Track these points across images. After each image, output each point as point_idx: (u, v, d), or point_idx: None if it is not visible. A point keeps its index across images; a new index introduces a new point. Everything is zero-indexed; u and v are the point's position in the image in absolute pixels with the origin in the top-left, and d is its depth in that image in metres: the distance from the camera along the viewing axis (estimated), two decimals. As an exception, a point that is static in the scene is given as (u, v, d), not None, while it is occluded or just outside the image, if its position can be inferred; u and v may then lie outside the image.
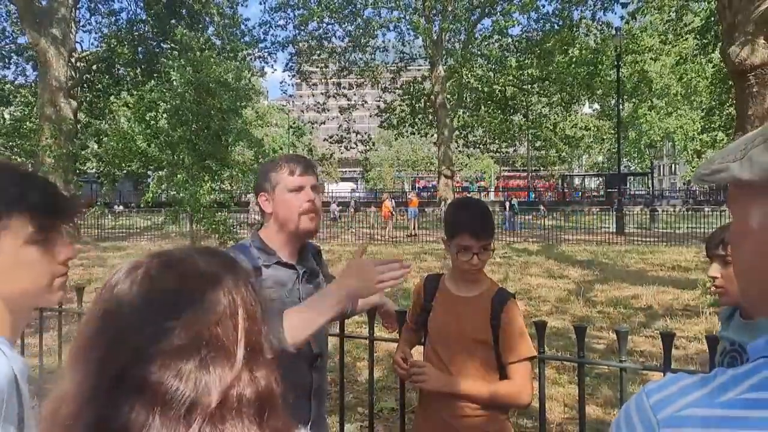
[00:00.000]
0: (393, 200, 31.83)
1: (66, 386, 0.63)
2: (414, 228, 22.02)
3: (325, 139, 34.43)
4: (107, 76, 24.79)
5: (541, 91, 31.82)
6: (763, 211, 0.64)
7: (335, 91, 32.84)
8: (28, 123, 21.54)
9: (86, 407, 0.60)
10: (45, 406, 0.65)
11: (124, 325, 0.63)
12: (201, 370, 0.61)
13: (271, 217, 1.87)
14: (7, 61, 25.18)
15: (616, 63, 23.01)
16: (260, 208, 1.90)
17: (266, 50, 28.52)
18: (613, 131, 34.71)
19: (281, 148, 33.27)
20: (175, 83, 12.42)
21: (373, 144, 37.69)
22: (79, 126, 21.42)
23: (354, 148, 34.87)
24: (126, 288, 0.66)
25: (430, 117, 32.01)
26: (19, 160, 22.97)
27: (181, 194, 12.14)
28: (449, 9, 27.22)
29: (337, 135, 33.94)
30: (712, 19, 20.56)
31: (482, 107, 32.86)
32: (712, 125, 28.96)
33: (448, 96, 30.06)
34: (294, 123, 33.30)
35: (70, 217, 1.09)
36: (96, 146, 18.76)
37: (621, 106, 27.80)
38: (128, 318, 0.64)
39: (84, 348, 0.64)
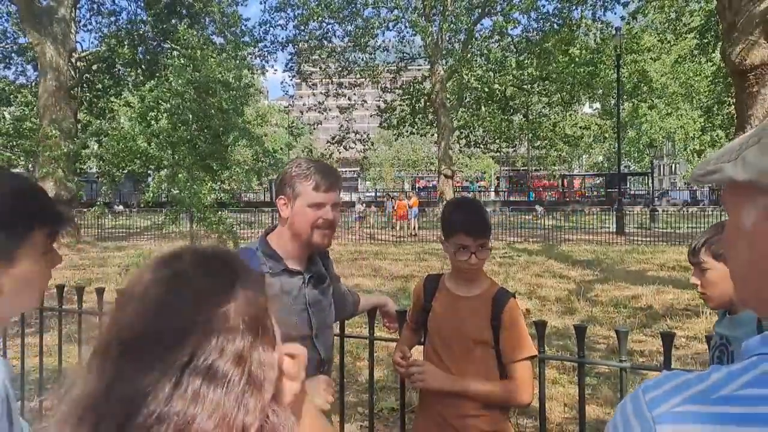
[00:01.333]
0: (393, 200, 31.71)
1: (99, 383, 0.63)
2: (414, 228, 22.05)
3: (328, 142, 34.39)
4: (107, 76, 24.78)
5: (541, 91, 31.80)
6: (755, 211, 0.65)
7: (335, 90, 32.83)
8: (28, 123, 21.52)
9: (147, 400, 0.61)
10: (63, 404, 0.65)
11: (178, 320, 0.65)
12: (255, 352, 0.66)
13: (286, 222, 1.85)
14: (7, 61, 25.18)
15: (616, 63, 22.99)
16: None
17: (266, 49, 28.52)
18: (613, 131, 34.69)
19: (281, 148, 33.27)
20: (173, 84, 12.41)
21: (372, 144, 37.67)
22: (79, 126, 21.41)
23: (353, 148, 34.86)
24: (162, 287, 0.69)
25: (430, 117, 32.00)
26: (19, 160, 22.99)
27: (182, 194, 12.13)
28: (449, 9, 27.19)
29: (339, 135, 33.93)
30: (712, 19, 20.56)
31: (482, 107, 32.84)
32: (713, 124, 28.94)
33: (448, 96, 30.04)
34: (293, 123, 33.23)
35: (68, 227, 1.11)
36: (96, 146, 18.75)
37: (621, 106, 27.78)
38: (180, 312, 0.66)
39: (136, 345, 0.65)
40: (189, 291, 0.67)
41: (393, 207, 29.27)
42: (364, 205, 28.32)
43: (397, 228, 22.25)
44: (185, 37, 13.21)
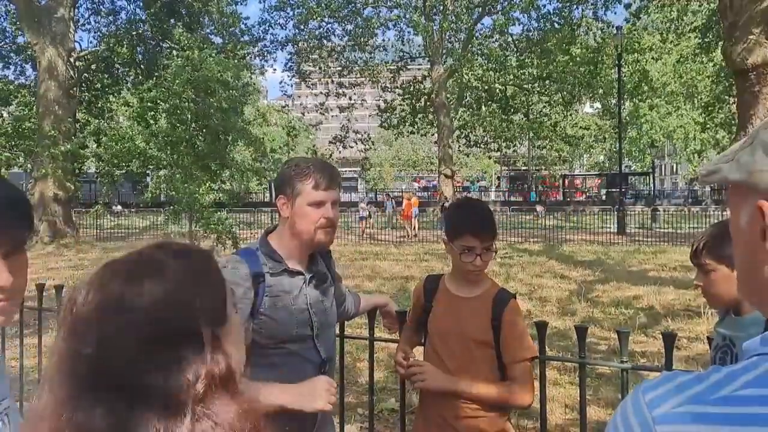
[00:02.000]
0: (393, 200, 31.59)
1: (43, 403, 0.66)
2: (415, 228, 22.02)
3: (331, 142, 34.38)
4: (106, 76, 24.79)
5: (542, 91, 31.79)
6: (749, 210, 0.67)
7: (335, 90, 32.84)
8: (27, 123, 21.51)
9: (63, 417, 0.63)
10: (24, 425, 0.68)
11: (86, 336, 0.66)
12: (169, 362, 0.64)
13: (287, 222, 1.84)
14: (6, 61, 25.16)
15: (617, 62, 22.97)
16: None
17: (266, 49, 28.51)
18: (613, 130, 34.67)
19: (279, 148, 33.29)
20: (172, 83, 12.41)
21: (373, 143, 37.67)
22: (78, 125, 21.41)
23: (353, 147, 34.86)
24: (82, 302, 0.69)
25: (430, 116, 32.02)
26: (18, 160, 22.98)
27: (180, 194, 12.13)
28: (450, 8, 27.20)
29: (340, 135, 33.95)
30: (714, 18, 20.54)
31: (482, 107, 32.84)
32: (713, 122, 28.91)
33: (448, 95, 30.04)
34: (290, 123, 33.17)
35: (13, 243, 1.01)
36: (95, 146, 18.74)
37: (622, 106, 27.78)
38: (87, 329, 0.67)
39: (56, 367, 0.67)
40: (94, 304, 0.68)
41: (393, 207, 29.18)
42: (369, 205, 28.02)
43: (404, 229, 21.93)
44: (182, 40, 13.19)
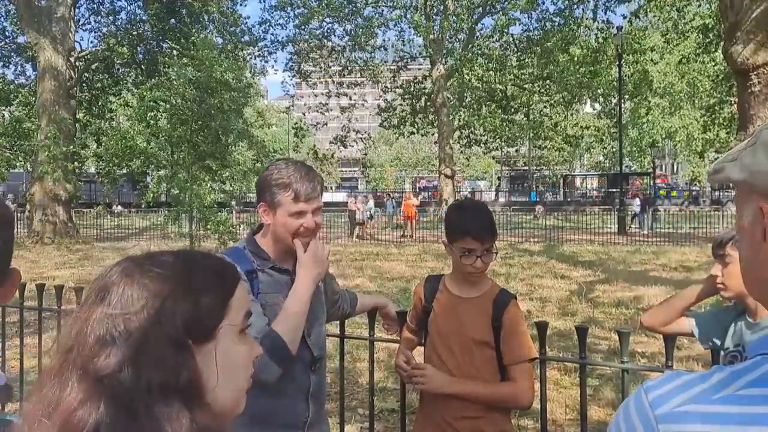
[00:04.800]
0: (393, 200, 31.50)
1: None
2: (414, 228, 21.98)
3: (331, 142, 34.38)
4: (106, 76, 24.77)
5: (542, 90, 31.78)
6: (751, 210, 0.67)
7: (336, 90, 32.86)
8: (27, 123, 21.49)
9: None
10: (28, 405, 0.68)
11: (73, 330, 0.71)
12: (131, 359, 0.66)
13: (269, 228, 1.86)
14: (6, 60, 25.15)
15: (617, 62, 22.96)
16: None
17: (266, 49, 28.49)
18: (614, 130, 34.61)
19: (281, 149, 33.36)
20: (175, 83, 12.42)
21: (373, 143, 37.70)
22: (78, 125, 21.39)
23: (353, 146, 34.87)
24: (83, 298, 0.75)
25: (431, 116, 32.02)
26: (18, 160, 22.97)
27: (181, 194, 12.14)
28: (450, 8, 27.22)
29: (341, 136, 33.97)
30: (714, 18, 20.52)
31: (483, 106, 32.84)
32: (715, 122, 28.85)
33: (449, 95, 30.04)
34: (296, 124, 33.27)
35: None
36: (95, 146, 18.73)
37: (623, 106, 27.72)
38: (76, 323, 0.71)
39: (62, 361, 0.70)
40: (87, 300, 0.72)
41: (393, 207, 29.08)
42: (372, 206, 27.70)
43: (407, 229, 21.77)
44: (196, 43, 13.13)
